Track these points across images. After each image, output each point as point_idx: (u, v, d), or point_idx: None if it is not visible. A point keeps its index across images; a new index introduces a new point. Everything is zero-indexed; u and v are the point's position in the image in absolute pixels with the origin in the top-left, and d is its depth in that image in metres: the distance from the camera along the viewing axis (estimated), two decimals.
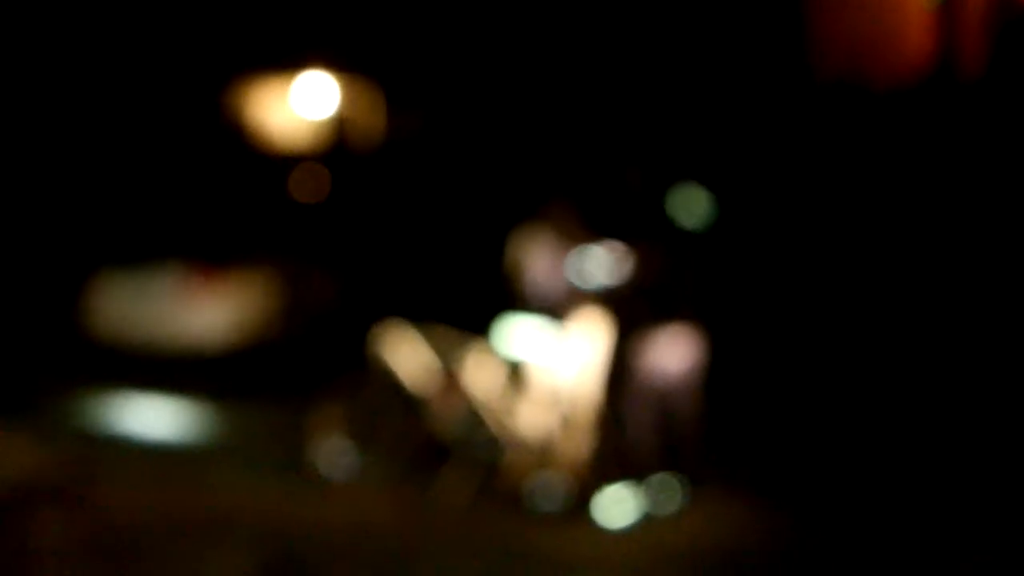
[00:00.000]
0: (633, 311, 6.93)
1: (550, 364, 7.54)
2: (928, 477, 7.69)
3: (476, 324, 7.27)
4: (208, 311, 11.84)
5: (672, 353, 6.97)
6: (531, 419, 7.32)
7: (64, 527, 6.54)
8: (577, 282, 7.44)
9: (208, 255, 12.12)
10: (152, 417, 9.86)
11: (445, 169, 15.51)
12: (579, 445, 7.22)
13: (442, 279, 12.91)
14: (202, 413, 10.00)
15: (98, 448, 8.57)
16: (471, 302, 8.96)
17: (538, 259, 7.63)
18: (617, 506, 6.93)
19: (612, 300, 7.10)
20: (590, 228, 7.72)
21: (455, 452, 7.32)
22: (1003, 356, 9.74)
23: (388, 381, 7.45)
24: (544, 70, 16.59)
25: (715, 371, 9.55)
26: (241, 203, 13.88)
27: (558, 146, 12.98)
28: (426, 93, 21.58)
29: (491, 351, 7.22)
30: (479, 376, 7.18)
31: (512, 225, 7.96)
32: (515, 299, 7.72)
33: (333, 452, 7.59)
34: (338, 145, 22.79)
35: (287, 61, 25.58)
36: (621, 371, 7.01)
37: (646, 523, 6.87)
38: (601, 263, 7.12)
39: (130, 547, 6.23)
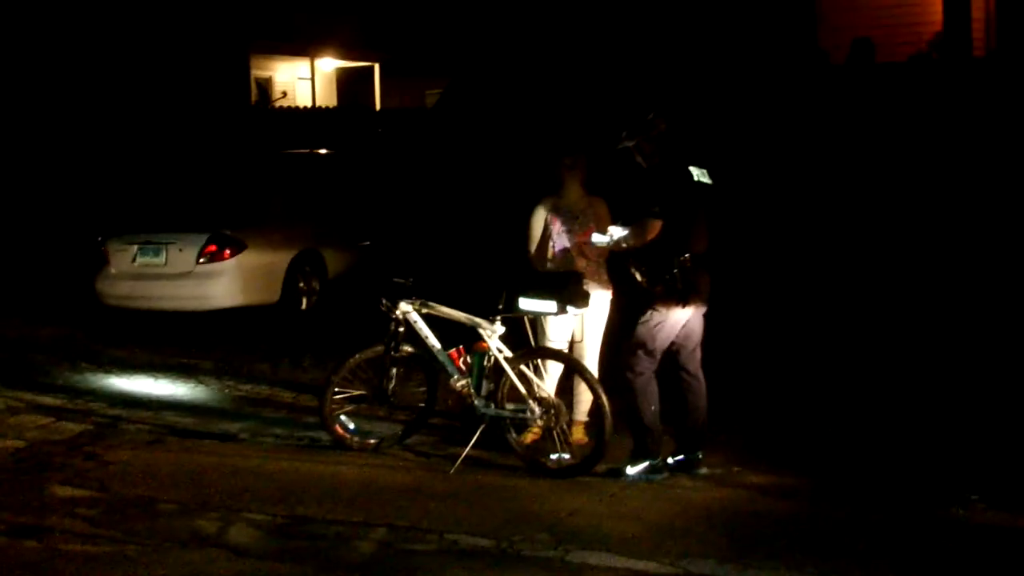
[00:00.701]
0: (646, 276, 6.93)
1: (566, 327, 7.61)
2: (937, 444, 7.72)
3: (493, 289, 7.29)
4: (225, 278, 11.87)
5: (683, 316, 6.98)
6: (546, 381, 7.39)
7: (78, 488, 6.61)
8: (591, 248, 7.48)
9: (224, 223, 12.12)
10: (167, 381, 9.92)
11: (462, 139, 15.51)
12: (593, 407, 7.29)
13: (460, 244, 12.95)
14: (218, 378, 10.06)
15: (112, 412, 8.61)
16: (488, 267, 9.00)
17: (553, 227, 7.68)
18: (629, 467, 7.00)
19: (624, 266, 7.11)
20: (603, 195, 7.76)
21: (472, 415, 7.36)
22: (1010, 322, 9.78)
23: (405, 345, 7.49)
24: (554, 45, 16.61)
25: (727, 338, 9.63)
26: (258, 172, 13.86)
27: (570, 112, 12.99)
28: (445, 66, 21.60)
29: (507, 314, 7.25)
30: (495, 339, 7.23)
31: (527, 192, 7.99)
32: (532, 265, 7.77)
33: (349, 416, 7.64)
34: (356, 115, 22.83)
35: (305, 31, 25.59)
36: (633, 334, 7.03)
37: (657, 484, 6.93)
38: (615, 230, 7.14)
39: (142, 509, 6.28)
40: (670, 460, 7.19)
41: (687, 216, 6.90)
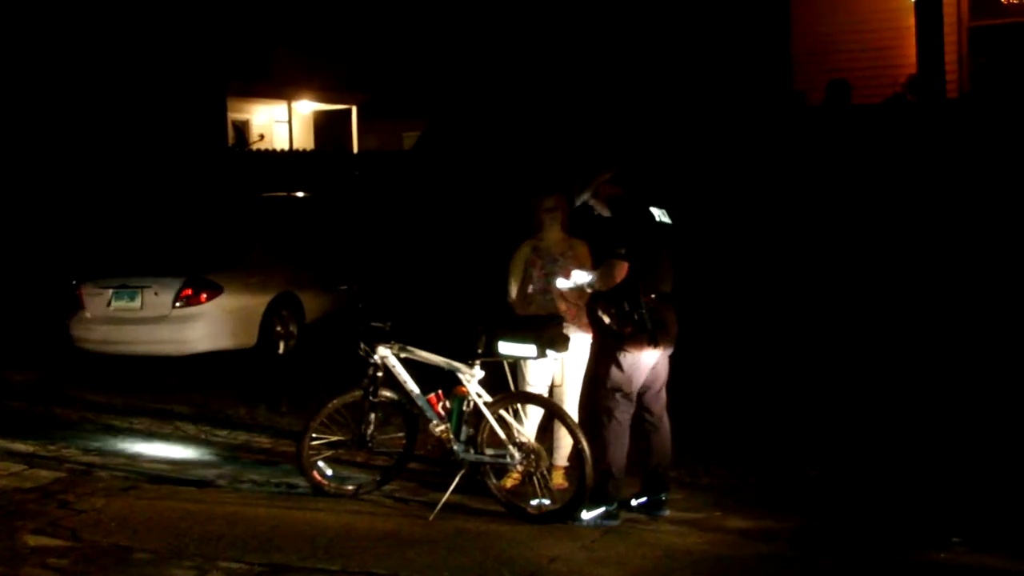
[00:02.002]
0: (615, 319, 6.91)
1: (546, 371, 7.57)
2: (917, 484, 7.71)
3: (472, 333, 7.24)
4: (201, 322, 11.78)
5: (653, 357, 6.95)
6: (526, 426, 7.34)
7: (51, 538, 6.50)
8: (570, 292, 7.45)
9: (201, 267, 12.05)
10: (142, 427, 9.81)
11: (441, 182, 15.54)
12: (573, 451, 7.23)
13: (439, 287, 12.92)
14: (194, 423, 9.95)
15: (86, 459, 8.50)
16: (466, 308, 8.96)
17: (533, 270, 7.65)
18: (585, 511, 6.92)
19: (592, 309, 7.10)
20: (579, 234, 7.76)
21: (451, 460, 7.29)
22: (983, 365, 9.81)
23: (383, 390, 7.42)
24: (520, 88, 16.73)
25: (704, 378, 9.62)
26: (235, 215, 13.81)
27: (549, 155, 13.02)
28: (423, 109, 21.67)
29: (486, 358, 7.20)
30: (474, 383, 7.18)
31: (507, 235, 7.98)
32: (511, 308, 7.73)
33: (327, 461, 7.56)
34: (333, 158, 22.85)
35: (282, 74, 25.63)
36: (607, 378, 7.00)
37: (639, 529, 6.88)
38: (579, 275, 7.15)
39: (116, 559, 6.17)
40: (634, 502, 7.19)
41: (651, 257, 6.90)
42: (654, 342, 6.84)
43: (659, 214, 7.02)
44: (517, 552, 6.40)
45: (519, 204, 7.99)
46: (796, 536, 6.82)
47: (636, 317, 6.78)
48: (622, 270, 6.80)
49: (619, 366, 6.90)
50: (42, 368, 12.26)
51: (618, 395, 6.93)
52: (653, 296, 6.85)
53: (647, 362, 6.94)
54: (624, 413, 6.97)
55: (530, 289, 7.65)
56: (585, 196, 7.13)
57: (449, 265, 13.46)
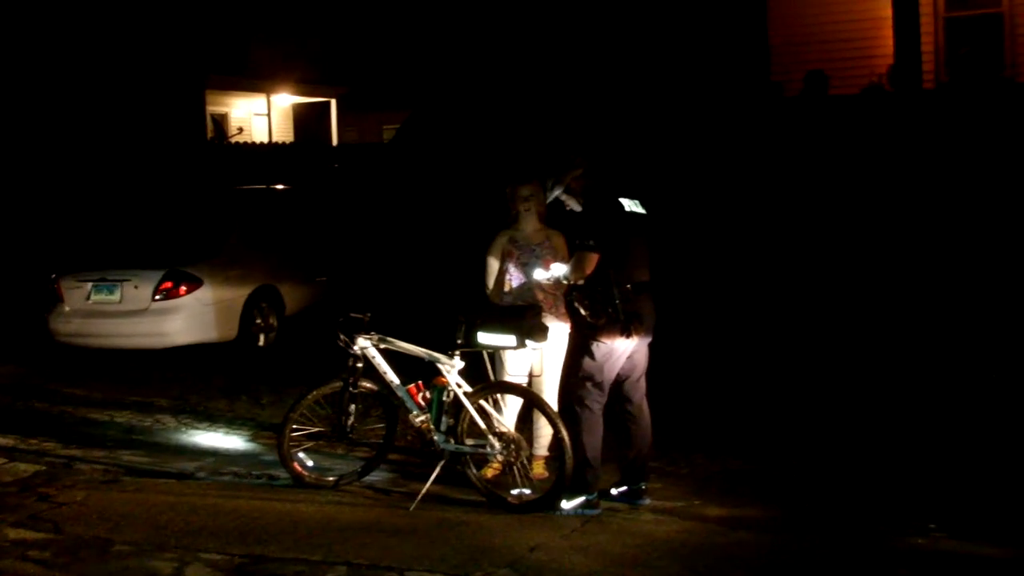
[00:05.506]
0: (588, 310, 6.93)
1: (525, 360, 7.59)
2: (895, 472, 7.77)
3: (451, 323, 7.26)
4: (181, 315, 11.76)
5: (628, 347, 6.98)
6: (506, 416, 7.36)
7: (32, 531, 6.50)
8: (543, 280, 7.47)
9: (180, 260, 12.03)
10: (122, 420, 9.80)
11: (419, 174, 15.55)
12: (553, 441, 7.27)
13: (418, 279, 12.93)
14: (174, 415, 9.95)
15: (67, 452, 8.48)
16: (444, 299, 8.98)
17: (511, 260, 7.67)
18: (565, 501, 6.95)
19: (568, 300, 7.13)
20: (554, 226, 7.78)
21: (431, 451, 7.31)
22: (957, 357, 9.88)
23: (363, 381, 7.43)
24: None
25: (684, 368, 9.66)
26: (214, 208, 13.79)
27: (527, 146, 13.04)
28: (402, 101, 21.63)
29: (466, 349, 7.22)
30: (454, 374, 7.19)
31: (485, 226, 8.00)
32: (489, 299, 7.75)
33: (308, 453, 7.57)
34: (312, 150, 22.81)
35: (261, 67, 25.54)
36: (580, 367, 7.03)
37: (619, 518, 6.91)
38: (556, 267, 7.18)
39: (97, 551, 6.16)
40: (614, 491, 7.21)
41: (623, 247, 6.93)
42: (627, 332, 6.86)
43: (630, 204, 7.05)
44: (498, 541, 6.41)
45: (496, 195, 8.00)
46: (775, 524, 6.86)
47: (609, 309, 6.81)
48: (591, 262, 6.84)
49: (592, 356, 6.95)
50: (22, 362, 12.21)
51: (589, 384, 6.97)
52: (628, 286, 6.87)
53: (622, 352, 6.97)
54: (596, 402, 7.00)
55: (508, 280, 7.67)
56: (557, 192, 7.19)
57: (428, 256, 13.47)
